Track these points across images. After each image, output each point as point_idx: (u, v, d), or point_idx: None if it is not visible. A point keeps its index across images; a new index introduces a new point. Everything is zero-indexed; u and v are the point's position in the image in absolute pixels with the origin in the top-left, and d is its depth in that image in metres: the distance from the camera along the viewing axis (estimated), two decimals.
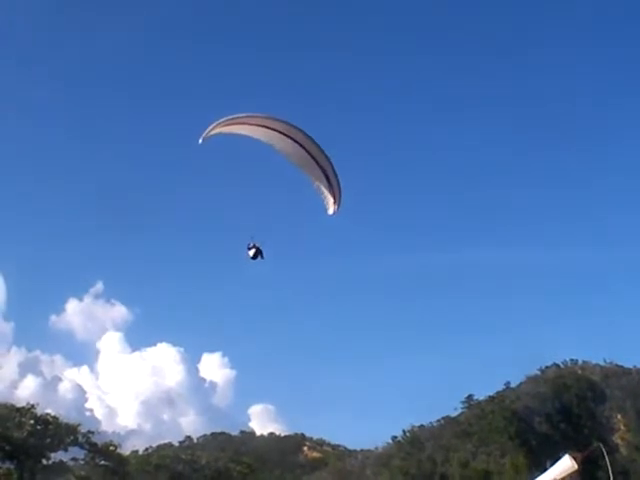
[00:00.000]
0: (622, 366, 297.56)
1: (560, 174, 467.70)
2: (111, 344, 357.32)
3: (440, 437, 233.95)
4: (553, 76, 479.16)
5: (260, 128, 36.92)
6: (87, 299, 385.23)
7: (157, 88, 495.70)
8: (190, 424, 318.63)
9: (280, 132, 37.20)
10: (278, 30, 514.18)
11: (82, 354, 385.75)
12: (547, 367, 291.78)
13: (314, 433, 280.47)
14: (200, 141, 35.51)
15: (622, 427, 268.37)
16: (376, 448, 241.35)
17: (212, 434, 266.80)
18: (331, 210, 39.74)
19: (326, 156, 39.03)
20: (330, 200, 39.61)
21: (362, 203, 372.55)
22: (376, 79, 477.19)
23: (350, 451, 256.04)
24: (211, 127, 35.92)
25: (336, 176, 39.09)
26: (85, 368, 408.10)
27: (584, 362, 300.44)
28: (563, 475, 51.40)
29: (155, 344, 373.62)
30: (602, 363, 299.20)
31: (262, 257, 40.19)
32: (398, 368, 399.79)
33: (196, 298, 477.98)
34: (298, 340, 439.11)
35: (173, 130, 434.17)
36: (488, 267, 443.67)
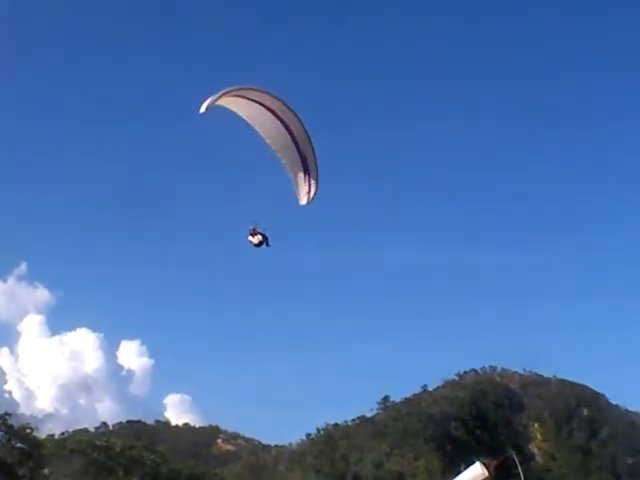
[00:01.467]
0: (541, 375, 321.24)
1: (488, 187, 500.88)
2: (32, 327, 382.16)
3: (354, 437, 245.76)
4: None
5: (253, 104, 37.92)
6: (10, 280, 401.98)
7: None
8: (106, 410, 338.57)
9: (271, 110, 38.21)
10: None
11: (2, 336, 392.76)
12: (465, 372, 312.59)
13: (229, 426, 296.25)
14: (203, 110, 36.09)
15: (539, 436, 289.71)
16: (290, 444, 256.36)
17: (128, 422, 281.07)
18: (304, 200, 40.32)
19: (311, 143, 39.67)
20: (304, 189, 40.07)
21: None
22: None
23: (264, 446, 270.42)
24: (212, 98, 36.32)
25: (316, 165, 39.98)
26: (5, 350, 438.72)
27: (503, 369, 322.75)
28: None
29: (75, 329, 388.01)
30: (521, 371, 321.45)
31: (267, 245, 40.53)
32: (316, 365, 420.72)
33: (118, 285, 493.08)
34: (217, 332, 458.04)
35: None
36: (409, 268, 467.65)
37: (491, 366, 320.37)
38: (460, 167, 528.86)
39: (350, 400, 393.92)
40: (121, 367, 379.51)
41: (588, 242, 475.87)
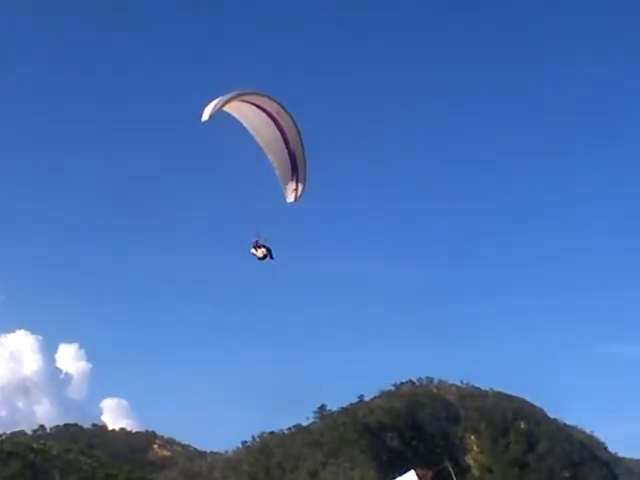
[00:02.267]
0: (478, 388, 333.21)
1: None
2: None
3: (290, 445, 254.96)
4: None
5: (249, 105, 39.11)
6: None
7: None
8: (44, 413, 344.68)
9: (265, 110, 39.46)
10: None
11: None
12: (402, 383, 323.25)
13: (165, 431, 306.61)
14: (207, 118, 37.03)
15: (475, 448, 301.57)
16: (226, 451, 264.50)
17: (65, 425, 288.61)
18: (291, 198, 41.37)
19: (302, 143, 40.71)
20: (291, 187, 41.11)
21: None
22: None
23: (200, 452, 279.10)
24: (215, 106, 37.34)
25: (305, 165, 41.11)
26: None
27: (440, 381, 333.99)
28: None
29: (14, 331, 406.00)
30: (458, 384, 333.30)
31: (272, 258, 41.61)
32: (253, 373, 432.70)
33: (58, 288, 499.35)
34: (156, 337, 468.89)
35: None
36: (346, 279, 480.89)
37: (428, 377, 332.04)
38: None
39: (286, 408, 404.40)
40: (59, 370, 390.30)
41: (527, 250, 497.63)
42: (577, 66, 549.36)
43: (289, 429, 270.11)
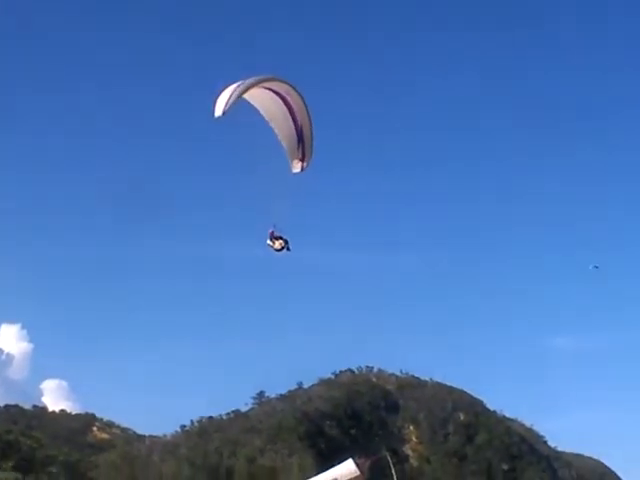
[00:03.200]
0: (418, 378, 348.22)
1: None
2: None
3: (229, 430, 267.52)
4: None
5: (259, 89, 40.33)
6: None
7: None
8: None
9: (268, 88, 40.70)
10: None
11: None
12: (341, 372, 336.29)
13: (105, 414, 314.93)
14: (221, 114, 37.72)
15: (414, 438, 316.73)
16: (164, 435, 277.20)
17: (5, 406, 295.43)
18: (298, 169, 42.84)
19: (308, 113, 42.05)
20: (297, 158, 42.69)
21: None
22: None
23: (139, 435, 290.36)
24: (227, 99, 38.03)
25: (312, 134, 42.71)
26: None
27: (380, 370, 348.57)
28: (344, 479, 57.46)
29: None
30: (398, 373, 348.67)
31: (289, 249, 43.10)
32: (194, 358, 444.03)
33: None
34: (98, 320, 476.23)
35: None
36: (286, 265, 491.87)
37: (367, 366, 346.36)
38: None
39: (226, 394, 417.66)
40: (0, 351, 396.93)
41: (464, 239, 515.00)
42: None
43: (228, 414, 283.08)
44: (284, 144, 43.18)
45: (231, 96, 38.72)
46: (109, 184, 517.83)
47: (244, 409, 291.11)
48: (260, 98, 41.72)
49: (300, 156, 43.72)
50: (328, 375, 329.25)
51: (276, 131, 42.79)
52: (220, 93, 39.17)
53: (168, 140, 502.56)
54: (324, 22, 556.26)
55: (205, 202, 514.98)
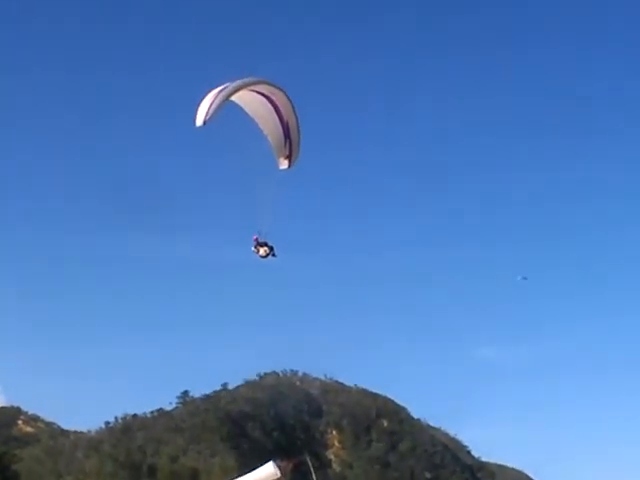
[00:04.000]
0: (342, 383, 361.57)
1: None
2: None
3: (152, 429, 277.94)
4: None
5: (244, 91, 40.80)
6: None
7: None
8: None
9: (251, 90, 41.24)
10: None
11: None
12: (266, 374, 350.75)
13: (30, 408, 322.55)
14: (201, 123, 37.64)
15: (337, 443, 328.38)
16: (89, 431, 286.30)
17: None
18: (284, 165, 43.29)
19: (294, 112, 42.79)
20: (284, 154, 43.14)
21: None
22: None
23: (63, 430, 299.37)
24: (208, 108, 38.32)
25: (298, 130, 43.36)
26: None
27: (304, 374, 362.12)
28: None
29: None
30: (322, 378, 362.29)
31: (274, 256, 43.58)
32: (122, 355, 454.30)
33: None
34: (26, 313, 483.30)
35: None
36: (217, 266, 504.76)
37: (292, 370, 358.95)
38: None
39: (150, 392, 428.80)
40: None
41: (404, 245, 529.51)
42: None
43: (152, 413, 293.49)
44: (270, 140, 43.97)
45: (212, 104, 38.96)
46: None
47: (168, 408, 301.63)
48: (243, 98, 42.37)
49: (287, 153, 44.42)
50: (253, 377, 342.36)
51: (261, 127, 43.66)
52: (201, 100, 39.35)
53: None
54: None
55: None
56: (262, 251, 44.19)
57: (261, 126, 43.67)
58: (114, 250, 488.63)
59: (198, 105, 38.96)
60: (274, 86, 42.50)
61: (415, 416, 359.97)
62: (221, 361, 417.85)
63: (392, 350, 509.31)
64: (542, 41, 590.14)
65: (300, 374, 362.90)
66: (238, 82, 40.76)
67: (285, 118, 43.73)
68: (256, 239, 44.37)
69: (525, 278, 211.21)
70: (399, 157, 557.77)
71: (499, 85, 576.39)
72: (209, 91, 39.83)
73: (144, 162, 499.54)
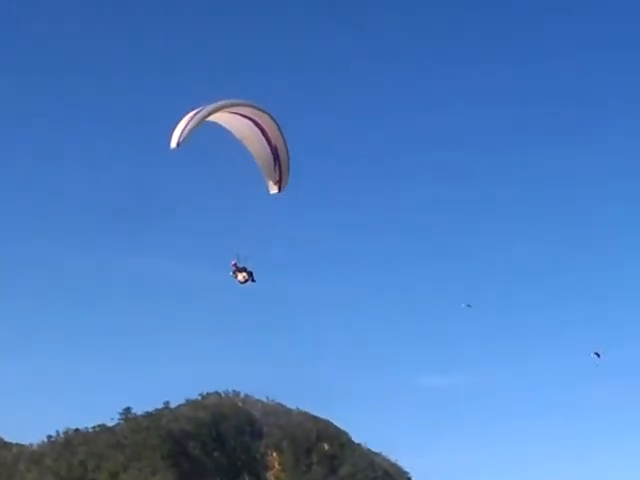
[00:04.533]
0: (284, 405, 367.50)
1: None
2: None
3: (94, 444, 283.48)
4: None
5: (221, 113, 40.96)
6: None
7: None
8: None
9: (235, 113, 41.54)
10: None
11: None
12: (208, 394, 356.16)
13: None
14: (175, 146, 37.56)
15: (277, 465, 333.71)
16: (31, 444, 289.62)
17: None
18: (275, 189, 43.65)
19: (281, 132, 42.71)
20: (274, 179, 43.37)
21: None
22: None
23: (5, 443, 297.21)
24: (182, 130, 38.31)
25: (288, 154, 43.45)
26: None
27: (246, 395, 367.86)
28: None
29: None
30: (264, 399, 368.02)
31: (253, 281, 43.53)
32: (65, 368, 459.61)
33: None
34: None
35: None
36: (162, 283, 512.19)
37: (234, 391, 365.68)
38: None
39: (93, 407, 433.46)
40: None
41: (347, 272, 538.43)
42: None
43: (94, 428, 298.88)
44: (259, 164, 43.98)
45: (186, 126, 38.97)
46: None
47: (110, 424, 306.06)
48: (228, 121, 42.53)
49: (277, 177, 44.29)
50: (195, 396, 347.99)
51: (249, 150, 43.72)
52: (177, 122, 39.62)
53: None
54: None
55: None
56: (240, 277, 44.87)
57: (249, 149, 44.21)
58: (62, 262, 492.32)
59: (174, 127, 39.73)
60: (258, 109, 42.90)
61: (356, 441, 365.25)
62: (164, 379, 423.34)
63: (335, 374, 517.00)
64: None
65: (242, 395, 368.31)
66: (216, 104, 41.03)
67: (273, 141, 44.03)
68: (235, 264, 44.82)
69: (469, 306, 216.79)
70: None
71: None
72: (186, 112, 40.45)
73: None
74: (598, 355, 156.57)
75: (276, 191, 45.55)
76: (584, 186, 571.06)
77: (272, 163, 44.80)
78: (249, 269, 45.61)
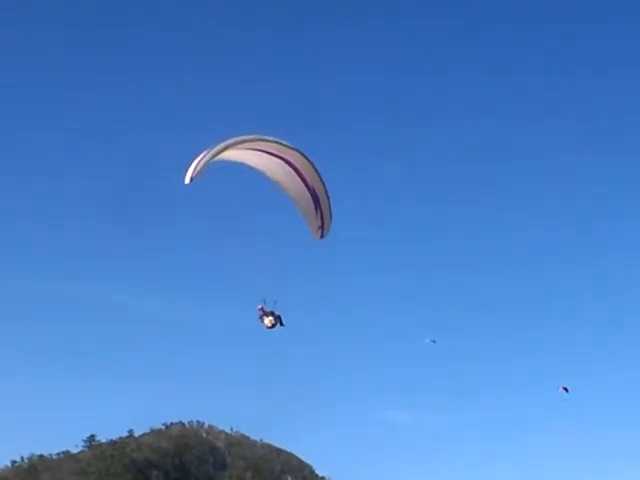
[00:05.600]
0: (248, 437, 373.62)
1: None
2: None
3: (58, 470, 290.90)
4: None
5: (249, 151, 40.14)
6: None
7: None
8: None
9: (266, 152, 40.54)
10: None
11: None
12: (172, 424, 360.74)
13: None
14: (188, 181, 36.87)
15: None
16: None
17: None
18: (317, 235, 43.15)
19: (317, 173, 41.65)
20: (316, 223, 42.69)
21: None
22: None
23: None
24: (197, 161, 37.73)
25: (327, 196, 42.37)
26: None
27: (210, 426, 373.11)
28: None
29: None
30: (228, 430, 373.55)
31: (282, 325, 42.73)
32: (31, 393, 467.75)
33: None
34: None
35: None
36: (128, 312, 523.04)
37: (198, 421, 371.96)
38: None
39: (58, 433, 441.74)
40: None
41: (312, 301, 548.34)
42: None
43: (58, 454, 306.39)
44: (299, 208, 42.91)
45: (200, 160, 38.10)
46: None
47: (74, 451, 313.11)
48: (255, 160, 41.05)
49: (320, 223, 43.29)
50: (159, 426, 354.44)
51: (287, 194, 42.63)
52: (196, 155, 38.76)
53: None
54: None
55: None
56: (267, 321, 43.90)
57: (286, 192, 42.96)
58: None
59: (190, 162, 38.54)
60: (286, 145, 41.16)
61: (320, 474, 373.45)
62: (129, 407, 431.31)
63: (300, 407, 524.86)
64: None
65: (206, 425, 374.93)
66: (232, 139, 39.61)
67: (310, 182, 42.56)
68: (261, 309, 44.11)
69: (434, 341, 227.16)
70: None
71: None
72: (203, 150, 39.27)
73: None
74: (567, 390, 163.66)
75: (319, 238, 44.65)
76: None
77: (313, 207, 43.51)
78: (277, 313, 44.48)
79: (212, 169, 40.18)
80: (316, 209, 43.50)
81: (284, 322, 44.58)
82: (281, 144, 40.89)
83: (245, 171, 42.11)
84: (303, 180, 42.70)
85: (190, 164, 38.48)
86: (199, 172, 38.24)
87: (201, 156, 38.69)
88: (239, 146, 39.83)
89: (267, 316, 44.11)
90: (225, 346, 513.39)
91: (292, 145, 41.23)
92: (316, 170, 42.49)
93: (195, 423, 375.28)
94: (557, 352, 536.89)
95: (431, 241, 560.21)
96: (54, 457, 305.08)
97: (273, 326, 44.37)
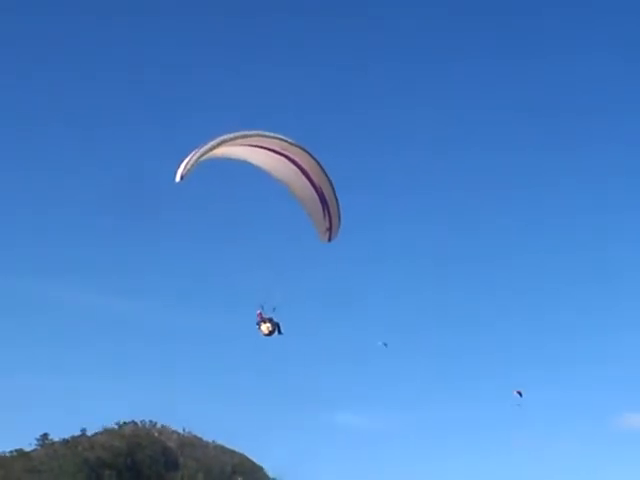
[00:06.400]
0: (200, 438, 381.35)
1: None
2: None
3: (11, 469, 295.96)
4: None
5: (250, 148, 38.77)
6: None
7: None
8: None
9: (270, 149, 39.32)
10: None
11: None
12: (125, 423, 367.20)
13: None
14: (179, 179, 35.73)
15: None
16: None
17: None
18: (325, 238, 42.25)
19: (324, 172, 40.68)
20: (324, 226, 41.83)
21: None
22: None
23: None
24: (191, 156, 36.51)
25: (335, 198, 41.35)
26: None
27: (163, 426, 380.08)
28: None
29: None
30: (180, 431, 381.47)
31: (280, 332, 41.67)
32: None
33: None
34: None
35: None
36: (84, 311, 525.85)
37: (151, 421, 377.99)
38: None
39: (11, 431, 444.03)
40: None
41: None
42: None
43: (11, 452, 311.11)
44: (306, 209, 42.05)
45: (191, 158, 37.09)
46: None
47: (28, 449, 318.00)
48: (257, 158, 39.51)
49: (327, 225, 42.28)
50: (112, 425, 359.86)
51: (294, 193, 41.60)
52: (186, 155, 37.73)
53: None
54: None
55: None
56: (264, 328, 42.90)
57: (292, 191, 41.92)
58: None
59: (181, 159, 37.76)
60: (290, 143, 40.06)
61: (271, 475, 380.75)
62: (81, 406, 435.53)
63: (249, 408, 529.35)
64: None
65: (159, 426, 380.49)
66: (227, 135, 38.58)
67: (317, 183, 41.58)
68: (260, 314, 43.12)
69: (385, 344, 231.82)
70: None
71: None
72: (195, 147, 38.55)
73: None
74: (520, 394, 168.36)
75: (327, 240, 43.95)
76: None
77: (320, 208, 42.75)
78: (276, 320, 43.49)
79: (213, 169, 39.92)
80: (324, 210, 42.53)
81: (282, 330, 43.75)
82: (284, 141, 40.01)
83: (245, 172, 41.17)
84: (309, 179, 41.79)
85: (180, 162, 37.87)
86: (189, 170, 37.52)
87: (191, 154, 38.04)
88: (235, 142, 38.84)
89: (264, 322, 43.15)
90: (181, 347, 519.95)
91: (296, 142, 40.32)
92: (323, 169, 41.63)
93: (148, 423, 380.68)
94: (511, 351, 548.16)
95: (384, 238, 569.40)
96: (7, 455, 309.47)
97: (270, 333, 43.37)
